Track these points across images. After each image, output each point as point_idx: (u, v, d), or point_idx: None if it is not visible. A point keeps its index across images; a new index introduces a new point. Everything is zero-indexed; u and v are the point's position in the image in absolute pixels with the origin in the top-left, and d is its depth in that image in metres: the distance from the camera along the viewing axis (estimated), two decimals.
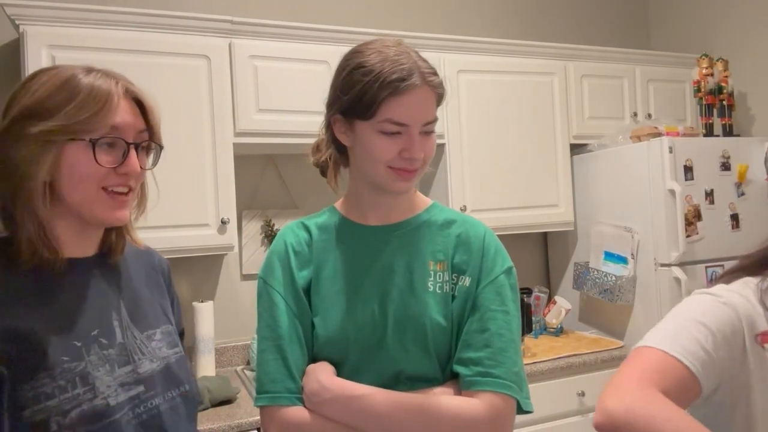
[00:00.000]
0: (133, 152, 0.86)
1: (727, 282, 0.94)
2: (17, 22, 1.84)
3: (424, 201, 1.06)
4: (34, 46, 1.83)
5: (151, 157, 0.93)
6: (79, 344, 0.82)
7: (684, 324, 0.84)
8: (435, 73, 0.95)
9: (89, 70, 0.86)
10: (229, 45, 2.09)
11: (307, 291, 0.99)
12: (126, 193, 0.87)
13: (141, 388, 0.86)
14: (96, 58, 1.91)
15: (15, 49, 2.04)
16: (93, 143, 0.82)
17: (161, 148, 0.92)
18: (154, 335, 0.93)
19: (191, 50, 2.04)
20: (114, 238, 0.94)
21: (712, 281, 1.00)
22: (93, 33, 1.91)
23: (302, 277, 0.99)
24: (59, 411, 0.77)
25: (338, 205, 1.07)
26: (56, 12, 1.87)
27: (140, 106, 0.89)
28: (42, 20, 1.86)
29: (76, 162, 0.82)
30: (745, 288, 0.90)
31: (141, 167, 0.88)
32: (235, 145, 2.11)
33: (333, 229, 1.03)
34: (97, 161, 0.82)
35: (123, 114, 0.85)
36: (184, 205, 2.02)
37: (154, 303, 0.98)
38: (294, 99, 2.16)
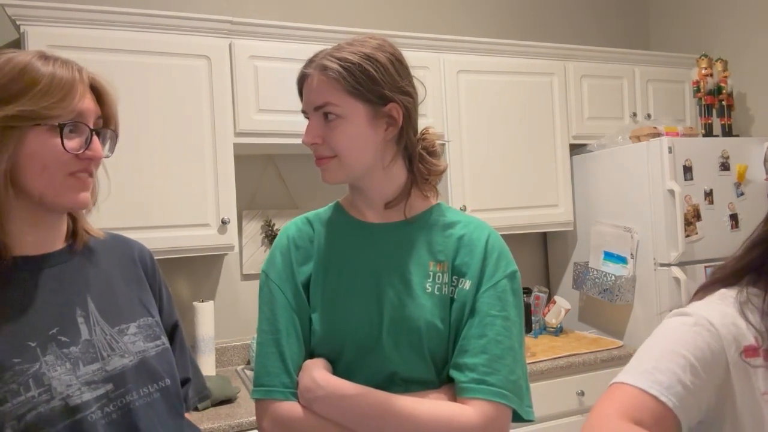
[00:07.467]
0: (95, 138, 0.85)
1: (702, 297, 0.90)
2: (18, 22, 1.85)
3: (429, 200, 1.03)
4: (35, 47, 1.82)
5: (107, 144, 0.90)
6: (33, 344, 0.79)
7: (660, 357, 0.81)
8: (335, 57, 0.93)
9: (43, 56, 0.83)
10: (229, 45, 2.10)
11: (307, 286, 0.98)
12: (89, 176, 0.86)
13: (110, 386, 0.83)
14: (96, 58, 1.93)
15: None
16: (61, 128, 0.80)
17: (117, 135, 0.91)
18: (128, 329, 0.89)
19: (191, 50, 2.04)
20: (74, 230, 0.92)
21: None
22: (93, 33, 1.92)
23: (303, 272, 0.99)
24: (13, 416, 0.73)
25: (343, 200, 1.07)
26: (57, 12, 1.88)
27: (97, 93, 0.87)
28: (43, 20, 1.86)
29: (40, 148, 0.80)
30: (722, 302, 0.87)
31: None
32: (235, 145, 2.11)
33: (335, 225, 1.02)
34: (64, 146, 0.81)
35: (86, 100, 0.84)
36: (184, 205, 2.02)
37: (130, 296, 0.94)
38: (294, 99, 2.10)
